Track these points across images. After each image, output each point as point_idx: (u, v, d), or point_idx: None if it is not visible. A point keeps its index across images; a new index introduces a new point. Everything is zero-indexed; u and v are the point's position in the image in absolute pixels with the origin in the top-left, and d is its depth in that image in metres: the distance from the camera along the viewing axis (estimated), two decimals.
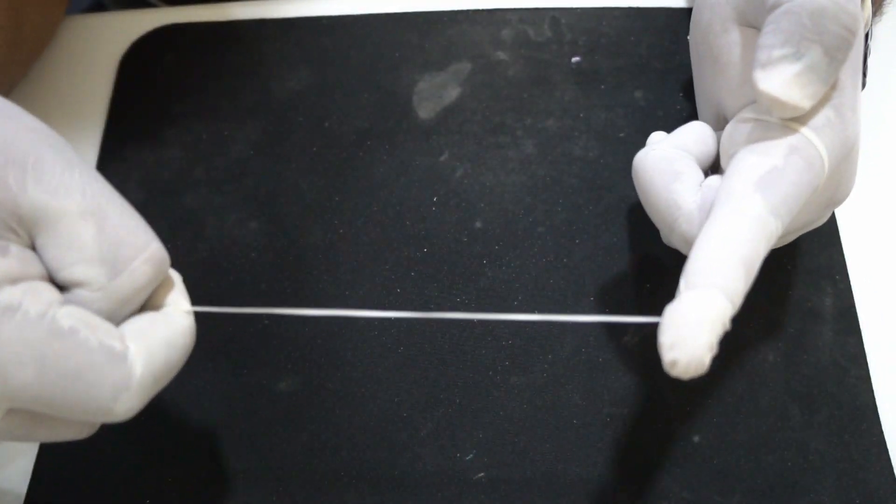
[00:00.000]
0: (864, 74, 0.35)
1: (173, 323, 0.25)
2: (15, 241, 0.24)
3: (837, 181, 0.28)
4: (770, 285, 0.36)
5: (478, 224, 0.38)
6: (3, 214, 0.23)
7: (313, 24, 0.43)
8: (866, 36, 0.34)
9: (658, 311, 0.36)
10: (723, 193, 0.26)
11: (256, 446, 0.34)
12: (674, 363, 0.23)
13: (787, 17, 0.25)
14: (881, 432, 0.33)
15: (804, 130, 0.26)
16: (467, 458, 0.34)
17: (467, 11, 0.43)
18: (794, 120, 0.27)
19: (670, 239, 0.29)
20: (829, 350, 0.35)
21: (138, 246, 0.24)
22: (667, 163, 0.29)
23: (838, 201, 0.30)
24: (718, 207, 0.26)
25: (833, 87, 0.27)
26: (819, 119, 0.26)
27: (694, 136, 0.30)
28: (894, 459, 0.33)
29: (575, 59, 0.42)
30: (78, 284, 0.24)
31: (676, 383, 0.35)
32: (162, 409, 0.35)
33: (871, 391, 0.34)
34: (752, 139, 0.27)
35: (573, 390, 0.35)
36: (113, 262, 0.24)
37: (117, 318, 0.25)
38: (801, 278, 0.36)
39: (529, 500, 0.33)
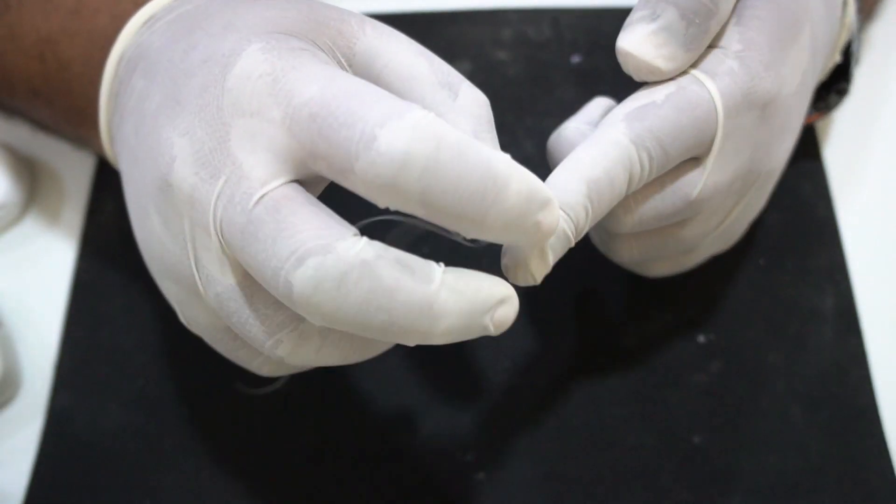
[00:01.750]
0: (849, 80, 0.35)
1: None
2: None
3: (752, 143, 0.28)
4: (770, 285, 0.36)
5: None
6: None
7: None
8: (850, 43, 0.34)
9: (658, 309, 0.36)
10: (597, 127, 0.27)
11: (256, 446, 0.34)
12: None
13: None
14: (882, 432, 0.33)
15: (694, 71, 0.27)
16: (467, 458, 0.34)
17: (467, 11, 0.43)
18: (692, 66, 0.27)
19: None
20: (830, 350, 0.35)
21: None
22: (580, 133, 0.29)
23: (764, 172, 0.30)
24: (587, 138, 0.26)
25: (742, 43, 0.27)
26: (717, 65, 0.27)
27: (600, 109, 0.31)
28: (895, 460, 0.33)
29: (575, 59, 0.42)
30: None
31: (677, 384, 0.35)
32: (162, 408, 0.35)
33: (872, 391, 0.34)
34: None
35: (573, 390, 0.35)
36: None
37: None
38: (801, 278, 0.36)
39: (529, 500, 0.33)
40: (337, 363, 0.25)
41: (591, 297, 0.36)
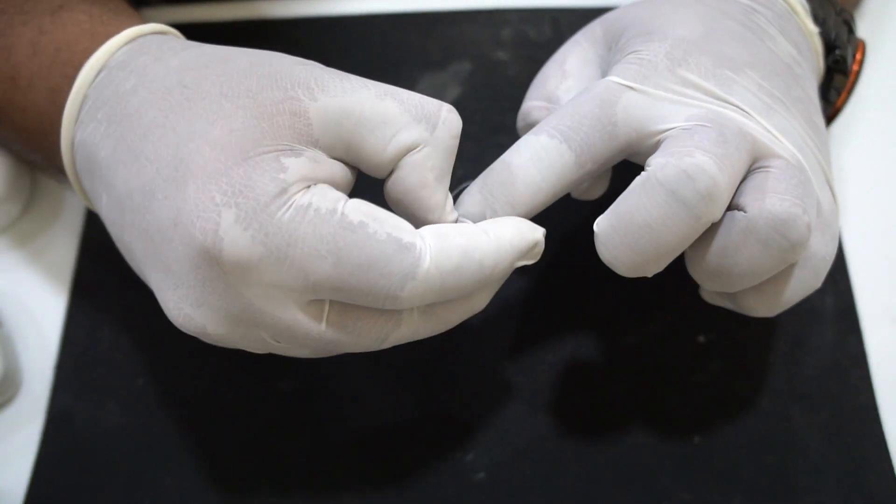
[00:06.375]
0: (845, 61, 0.34)
1: (475, 238, 0.26)
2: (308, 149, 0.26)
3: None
4: None
5: None
6: (298, 128, 0.25)
7: (313, 24, 0.43)
8: (835, 50, 0.33)
9: (658, 309, 0.36)
10: None
11: (256, 446, 0.34)
12: None
13: None
14: (882, 432, 0.33)
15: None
16: (467, 458, 0.34)
17: (467, 11, 0.43)
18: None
19: None
20: (830, 350, 0.35)
21: (435, 104, 0.27)
22: None
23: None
24: None
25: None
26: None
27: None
28: (895, 460, 0.33)
29: None
30: (406, 150, 0.26)
31: (677, 384, 0.35)
32: (162, 408, 0.35)
33: (872, 391, 0.34)
34: None
35: (573, 390, 0.35)
36: (426, 118, 0.26)
37: (447, 176, 0.27)
38: None
39: (529, 500, 0.33)
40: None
41: (592, 297, 0.36)
